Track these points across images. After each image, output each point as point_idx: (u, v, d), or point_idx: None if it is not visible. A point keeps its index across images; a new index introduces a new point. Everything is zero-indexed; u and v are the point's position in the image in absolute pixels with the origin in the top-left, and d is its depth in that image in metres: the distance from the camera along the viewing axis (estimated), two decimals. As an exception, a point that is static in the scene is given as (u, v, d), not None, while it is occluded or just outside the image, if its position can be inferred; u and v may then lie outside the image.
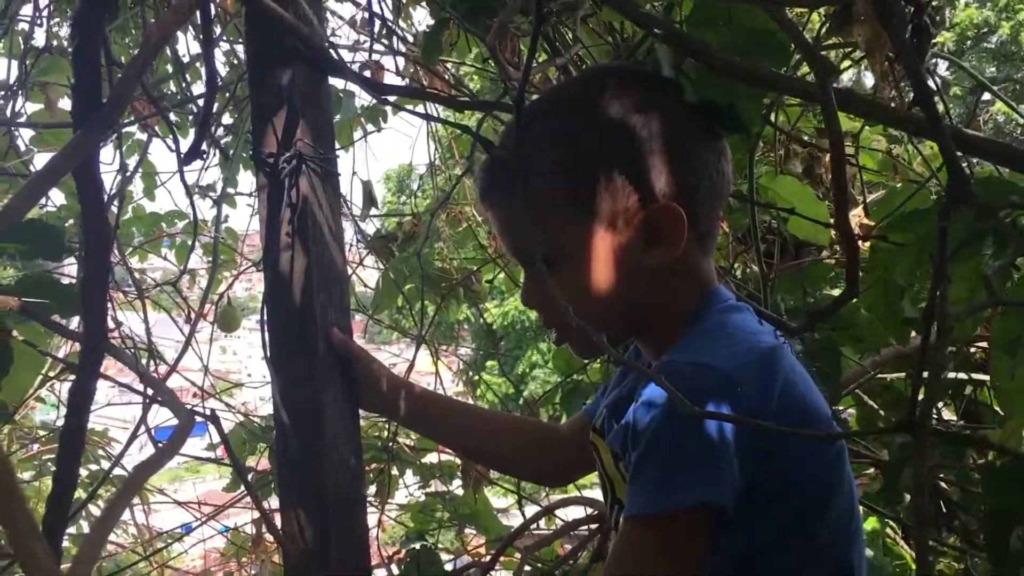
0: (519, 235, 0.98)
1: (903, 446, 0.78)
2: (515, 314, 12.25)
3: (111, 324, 2.25)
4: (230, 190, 2.51)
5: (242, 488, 2.53)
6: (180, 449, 0.71)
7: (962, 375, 1.88)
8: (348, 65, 1.15)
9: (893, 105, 0.82)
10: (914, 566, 2.12)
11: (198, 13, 0.90)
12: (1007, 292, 1.05)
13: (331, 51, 1.13)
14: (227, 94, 2.05)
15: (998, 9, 14.12)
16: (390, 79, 2.49)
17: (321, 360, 1.10)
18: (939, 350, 0.72)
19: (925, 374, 0.70)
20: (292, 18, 1.08)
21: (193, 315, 2.37)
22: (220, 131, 2.28)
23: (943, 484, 1.50)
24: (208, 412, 1.02)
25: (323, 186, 1.14)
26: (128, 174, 2.42)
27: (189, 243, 2.52)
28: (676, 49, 0.89)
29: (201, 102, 1.35)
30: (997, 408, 1.86)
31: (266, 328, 1.12)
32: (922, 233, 0.96)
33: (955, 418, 1.95)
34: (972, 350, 1.89)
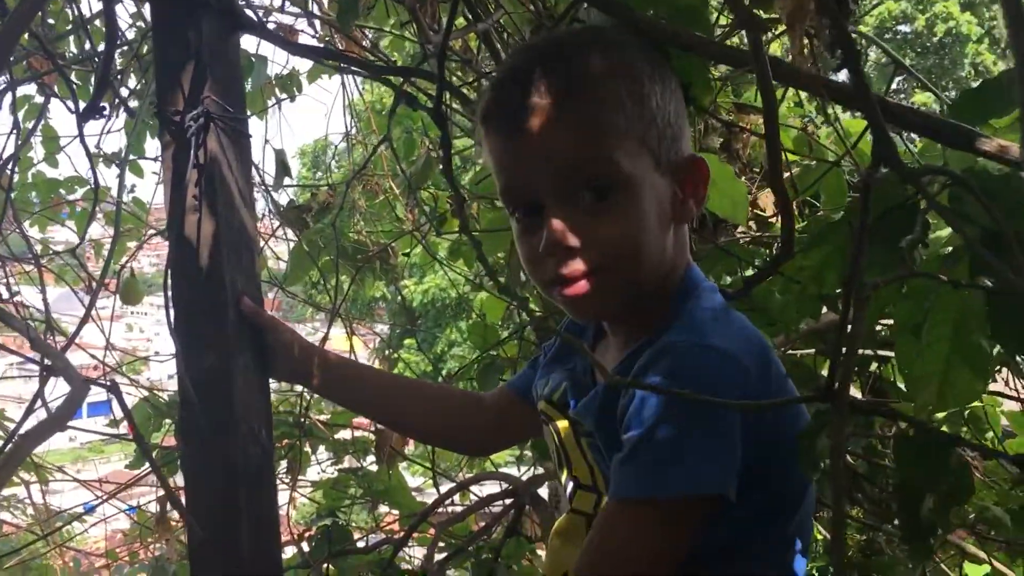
0: (576, 150, 0.86)
1: (819, 414, 0.78)
2: (435, 291, 12.18)
3: (5, 293, 2.14)
4: (135, 157, 2.40)
5: (146, 466, 2.45)
6: (71, 417, 0.66)
7: (868, 352, 1.93)
8: (261, 20, 1.09)
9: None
10: (820, 537, 2.18)
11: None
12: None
13: (242, 6, 1.08)
14: (132, 53, 1.96)
15: (914, 1, 14.63)
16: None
17: (230, 327, 1.05)
18: (857, 319, 0.72)
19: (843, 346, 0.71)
20: (200, -33, 1.02)
21: (94, 286, 2.27)
22: (125, 92, 2.18)
23: (849, 458, 1.54)
24: (108, 382, 0.96)
25: (233, 147, 1.09)
26: (24, 136, 2.30)
27: (89, 211, 2.41)
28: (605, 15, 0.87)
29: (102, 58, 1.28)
30: (901, 385, 1.92)
31: (170, 294, 1.07)
32: (839, 242, 0.96)
33: (861, 394, 2.00)
34: (878, 328, 1.93)
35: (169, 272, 1.07)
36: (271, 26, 2.35)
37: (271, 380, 1.21)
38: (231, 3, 1.06)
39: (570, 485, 0.97)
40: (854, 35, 1.74)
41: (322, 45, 2.18)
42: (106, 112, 1.03)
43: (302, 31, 2.11)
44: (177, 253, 1.06)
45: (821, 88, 0.72)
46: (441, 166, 2.48)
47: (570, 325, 1.09)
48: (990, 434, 1.93)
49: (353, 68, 1.43)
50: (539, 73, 0.87)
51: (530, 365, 1.19)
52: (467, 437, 1.26)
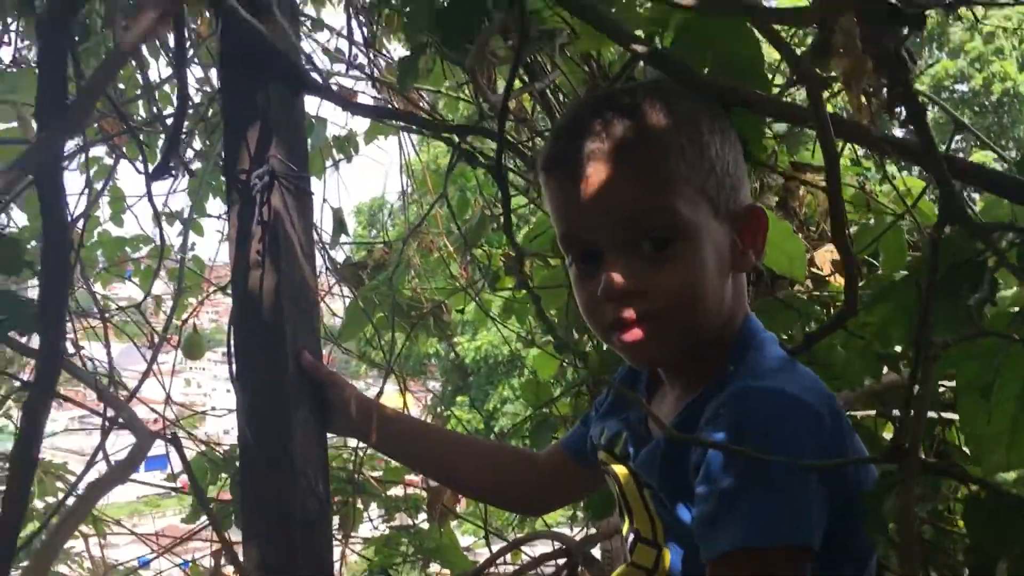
0: (637, 201, 0.86)
1: (886, 475, 0.76)
2: (488, 348, 12.19)
3: (71, 348, 2.20)
4: (197, 216, 2.47)
5: (201, 520, 2.47)
6: (136, 468, 0.67)
7: (932, 414, 1.88)
8: (323, 82, 1.13)
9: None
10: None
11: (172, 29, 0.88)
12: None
13: (306, 69, 1.11)
14: (198, 116, 2.02)
15: (970, 60, 14.54)
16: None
17: (290, 380, 1.07)
18: (925, 378, 0.71)
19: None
20: (269, 33, 1.06)
21: (156, 340, 2.32)
22: (190, 154, 2.25)
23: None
24: (169, 435, 0.98)
25: (295, 205, 1.11)
26: (94, 196, 2.38)
27: (154, 268, 2.48)
28: (662, 72, 0.88)
29: (171, 120, 1.32)
30: (965, 449, 1.86)
31: (233, 348, 1.09)
32: (904, 299, 0.95)
33: (924, 457, 1.94)
34: (941, 389, 1.89)
35: (232, 326, 1.09)
36: (333, 86, 2.42)
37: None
38: (297, 67, 1.10)
39: (631, 537, 0.96)
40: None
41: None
42: (174, 172, 1.07)
43: (362, 92, 2.17)
44: (240, 306, 1.08)
45: (886, 145, 0.72)
46: (494, 224, 2.50)
47: (624, 376, 1.08)
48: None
49: (412, 126, 1.45)
50: (600, 122, 0.88)
51: (582, 423, 1.18)
52: (519, 494, 1.26)
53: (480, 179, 2.62)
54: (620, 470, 0.98)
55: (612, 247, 0.88)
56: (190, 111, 2.04)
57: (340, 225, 2.55)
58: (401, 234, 2.88)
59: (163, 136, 2.45)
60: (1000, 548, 0.76)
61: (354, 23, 2.38)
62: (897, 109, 1.31)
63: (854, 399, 1.75)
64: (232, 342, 1.09)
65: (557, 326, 2.30)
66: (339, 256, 2.70)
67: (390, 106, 1.95)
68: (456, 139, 1.21)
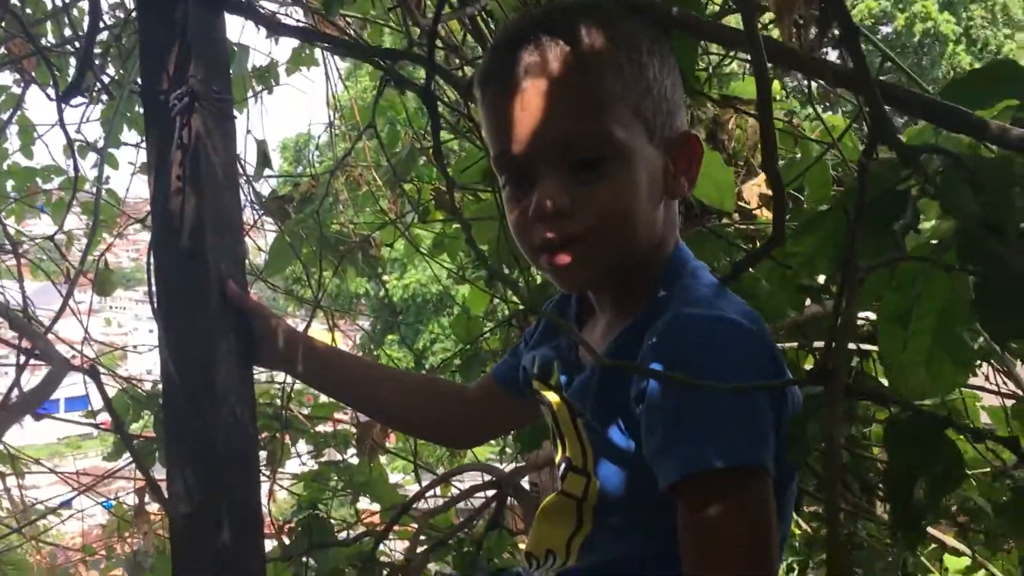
0: (571, 122, 0.85)
1: (810, 399, 0.78)
2: (416, 287, 12.14)
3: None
4: (111, 148, 2.37)
5: (124, 459, 2.42)
6: (48, 395, 0.64)
7: (850, 345, 1.93)
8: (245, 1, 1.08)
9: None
10: (797, 532, 2.18)
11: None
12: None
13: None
14: (113, 39, 1.93)
15: (894, 0, 14.75)
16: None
17: (213, 311, 1.03)
18: (851, 300, 0.72)
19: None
20: (186, -55, 1.00)
21: (72, 276, 2.24)
22: (105, 80, 2.14)
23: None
24: (86, 367, 0.94)
25: (218, 128, 1.07)
26: (1, 125, 2.26)
27: (67, 201, 2.38)
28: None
29: (83, 40, 1.25)
30: (883, 379, 1.93)
31: (153, 278, 1.05)
32: (830, 229, 0.96)
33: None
34: (859, 322, 1.94)
35: (152, 255, 1.06)
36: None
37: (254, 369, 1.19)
38: (216, -18, 1.05)
39: (563, 466, 0.96)
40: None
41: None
42: (86, 95, 1.01)
43: (286, 16, 2.09)
44: (160, 235, 1.04)
45: (819, 68, 0.72)
46: (424, 158, 2.47)
47: (555, 305, 1.08)
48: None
49: (338, 51, 1.41)
50: (538, 37, 0.86)
51: (511, 353, 1.17)
52: (449, 427, 1.25)
53: (410, 112, 2.57)
54: (553, 398, 0.97)
55: (544, 167, 0.86)
56: (104, 34, 1.94)
57: (264, 158, 2.48)
58: (329, 169, 2.83)
59: (76, 60, 2.34)
60: (919, 468, 0.78)
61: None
62: (828, 37, 1.31)
63: (777, 331, 1.79)
64: (152, 272, 1.05)
65: (489, 258, 2.29)
66: (264, 190, 2.63)
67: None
68: (384, 65, 1.17)
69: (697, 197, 1.46)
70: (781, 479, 0.85)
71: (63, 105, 1.15)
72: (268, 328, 1.12)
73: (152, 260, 1.05)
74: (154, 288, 1.04)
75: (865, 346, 1.95)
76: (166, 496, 1.05)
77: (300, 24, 1.77)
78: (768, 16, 1.31)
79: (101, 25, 1.36)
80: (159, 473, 1.22)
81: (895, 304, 1.04)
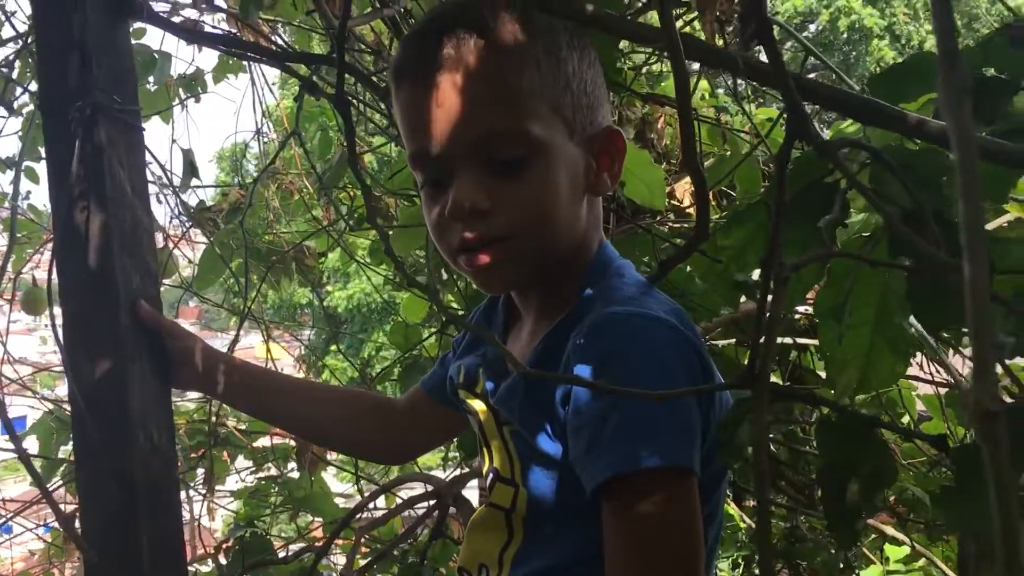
0: (488, 120, 0.82)
1: (740, 401, 0.76)
2: (360, 296, 12.00)
3: None
4: (29, 160, 2.29)
5: (55, 483, 2.34)
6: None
7: (787, 340, 1.94)
8: (148, 4, 1.03)
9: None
10: (743, 526, 2.19)
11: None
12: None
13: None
14: (23, 47, 1.85)
15: (817, -2, 15.03)
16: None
17: (123, 331, 0.98)
18: (776, 301, 0.70)
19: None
20: (81, -51, 0.95)
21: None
22: (23, 95, 2.06)
23: (771, 446, 1.54)
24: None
25: (123, 139, 1.02)
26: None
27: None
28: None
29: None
30: (821, 373, 1.94)
31: (60, 299, 1.00)
32: (760, 221, 0.95)
33: (781, 382, 2.01)
34: (796, 316, 1.95)
35: (58, 275, 1.00)
36: (176, 21, 2.27)
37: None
38: (117, -13, 1.00)
39: (490, 476, 0.93)
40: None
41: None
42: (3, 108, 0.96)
43: (209, 24, 2.03)
44: (63, 254, 0.99)
45: (736, 64, 0.70)
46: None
47: (481, 311, 1.06)
48: (906, 418, 1.97)
49: (254, 57, 1.36)
50: (453, 30, 0.83)
51: (440, 363, 1.15)
52: (379, 441, 1.20)
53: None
54: (479, 407, 0.95)
55: (461, 165, 0.83)
56: (15, 42, 1.87)
57: (191, 167, 2.41)
58: (272, 170, 2.76)
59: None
60: (851, 468, 0.77)
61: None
62: (748, 31, 1.30)
63: (713, 328, 1.79)
64: (56, 293, 0.99)
65: (424, 266, 2.26)
66: (194, 201, 2.56)
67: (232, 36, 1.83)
68: (293, 71, 1.13)
69: (628, 196, 1.45)
70: (710, 480, 0.83)
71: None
72: (182, 348, 1.07)
73: (59, 281, 0.99)
74: (59, 310, 0.99)
75: (803, 340, 1.97)
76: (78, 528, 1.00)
77: (212, 31, 1.72)
78: (691, 14, 1.30)
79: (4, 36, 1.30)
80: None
81: (829, 298, 1.03)
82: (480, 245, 0.84)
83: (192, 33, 1.11)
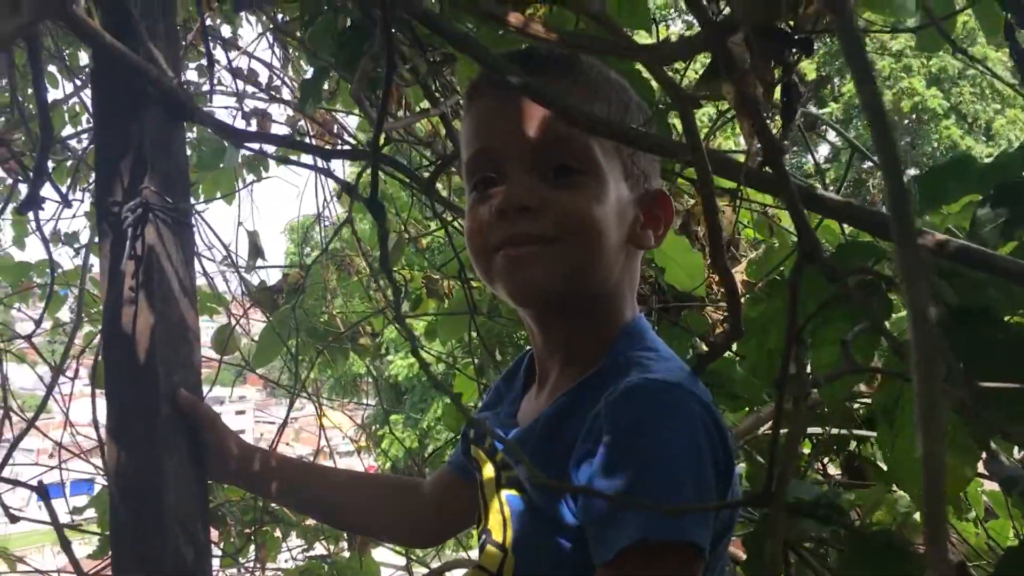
0: (556, 128, 0.85)
1: (766, 517, 0.75)
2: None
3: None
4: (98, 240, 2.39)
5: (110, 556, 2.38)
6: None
7: (845, 431, 1.89)
8: (202, 109, 1.08)
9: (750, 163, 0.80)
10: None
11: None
12: (879, 354, 1.04)
13: (185, 94, 1.07)
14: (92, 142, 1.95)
15: (882, 79, 14.90)
16: (279, 131, 2.44)
17: (162, 425, 1.01)
18: (794, 420, 0.69)
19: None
20: (140, 59, 1.01)
21: (62, 367, 2.23)
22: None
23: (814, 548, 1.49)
24: (36, 484, 0.92)
25: (173, 238, 1.06)
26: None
27: (58, 294, 2.39)
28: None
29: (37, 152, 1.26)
30: (882, 464, 1.88)
31: (105, 389, 1.03)
32: (787, 299, 0.95)
33: (839, 472, 1.96)
34: (856, 405, 1.90)
35: (104, 367, 1.04)
36: (246, 108, 2.37)
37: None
38: (173, 94, 1.05)
39: (482, 537, 0.92)
40: (813, 116, 1.75)
41: (291, 128, 2.18)
42: (43, 205, 1.01)
43: (276, 121, 2.12)
44: (111, 348, 1.03)
45: (751, 180, 0.70)
46: (414, 247, 2.47)
47: (505, 374, 1.06)
48: (972, 514, 1.89)
49: (292, 162, 1.41)
50: (540, 59, 0.88)
51: (463, 438, 1.15)
52: (407, 524, 1.20)
53: (400, 201, 2.58)
54: (486, 465, 0.95)
55: (518, 167, 0.86)
56: (85, 133, 1.97)
57: (256, 249, 2.49)
58: (334, 250, 2.83)
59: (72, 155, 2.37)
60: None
61: (272, 44, 2.34)
62: (791, 133, 1.31)
63: (766, 417, 1.75)
64: (104, 383, 1.03)
65: (479, 350, 2.27)
66: (256, 279, 2.64)
67: (299, 130, 1.91)
68: (319, 168, 1.17)
69: (668, 282, 1.45)
70: (712, 562, 0.82)
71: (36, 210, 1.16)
72: (217, 442, 1.09)
73: (105, 372, 1.03)
74: (108, 401, 1.02)
75: (861, 432, 1.91)
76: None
77: (288, 122, 1.79)
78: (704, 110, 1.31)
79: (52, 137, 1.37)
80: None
81: (884, 397, 1.01)
82: (521, 242, 0.86)
83: (240, 134, 1.16)
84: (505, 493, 0.90)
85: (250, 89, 2.41)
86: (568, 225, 0.85)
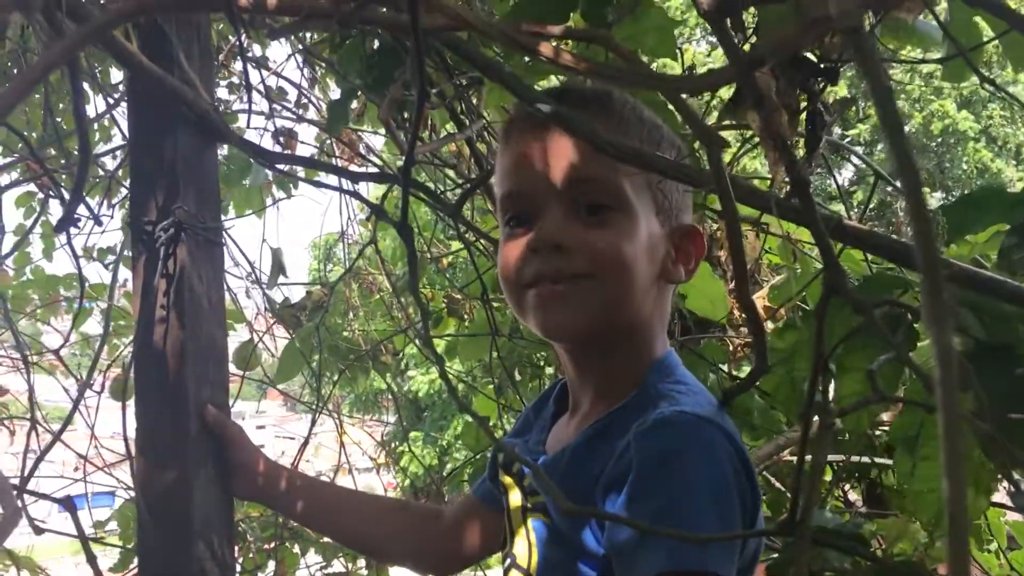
0: (588, 166, 0.87)
1: (789, 546, 0.75)
2: (441, 383, 12.05)
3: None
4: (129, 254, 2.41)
5: (132, 567, 2.39)
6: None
7: (866, 459, 1.88)
8: (233, 131, 1.10)
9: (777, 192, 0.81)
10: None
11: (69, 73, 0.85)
12: (902, 384, 1.04)
13: (218, 116, 1.09)
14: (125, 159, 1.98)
15: (911, 100, 14.84)
16: (305, 150, 2.47)
17: (191, 442, 1.03)
18: (819, 449, 0.69)
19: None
20: (175, 80, 1.03)
21: (89, 381, 2.26)
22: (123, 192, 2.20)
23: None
24: (65, 497, 0.94)
25: (204, 257, 1.08)
26: (22, 233, 2.32)
27: (86, 307, 2.42)
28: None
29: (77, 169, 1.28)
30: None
31: (135, 405, 1.05)
32: (814, 330, 0.95)
33: (860, 500, 1.95)
34: (877, 432, 1.89)
35: (135, 382, 1.06)
36: (273, 127, 2.40)
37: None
38: (206, 115, 1.07)
39: (507, 561, 0.93)
40: (835, 141, 1.75)
41: (317, 148, 2.21)
42: (79, 224, 1.03)
43: (302, 142, 2.15)
44: (142, 365, 1.04)
45: (777, 209, 0.71)
46: (435, 267, 2.49)
47: (536, 402, 1.07)
48: (994, 545, 1.87)
49: (319, 183, 1.43)
50: (574, 96, 0.91)
51: (492, 464, 1.15)
52: (428, 552, 1.19)
53: (422, 221, 2.61)
54: (513, 494, 0.96)
55: (552, 205, 0.88)
56: (118, 153, 2.00)
57: (278, 266, 2.51)
58: (357, 269, 2.86)
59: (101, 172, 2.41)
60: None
61: (301, 64, 2.37)
62: (814, 163, 1.31)
63: (785, 444, 1.75)
64: (135, 399, 1.05)
65: (498, 371, 2.28)
66: (279, 296, 2.66)
67: (325, 150, 1.93)
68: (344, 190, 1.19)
69: (689, 308, 1.45)
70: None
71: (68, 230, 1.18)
72: (242, 460, 1.11)
73: (135, 388, 1.05)
74: (136, 416, 1.04)
75: (882, 461, 1.90)
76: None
77: (312, 151, 1.81)
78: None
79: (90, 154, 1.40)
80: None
81: (904, 427, 1.01)
82: (554, 280, 0.87)
83: (270, 156, 1.18)
84: (531, 519, 0.91)
85: (278, 108, 2.45)
86: (600, 262, 0.87)
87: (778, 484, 1.84)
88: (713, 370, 1.37)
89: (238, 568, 2.30)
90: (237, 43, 1.52)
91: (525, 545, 0.91)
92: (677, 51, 1.36)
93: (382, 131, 2.37)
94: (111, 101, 2.32)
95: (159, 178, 1.07)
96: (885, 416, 1.69)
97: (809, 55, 1.24)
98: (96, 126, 2.71)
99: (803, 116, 1.24)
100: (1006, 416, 0.86)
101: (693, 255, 0.93)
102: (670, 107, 1.02)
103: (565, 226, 0.87)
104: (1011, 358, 0.90)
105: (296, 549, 2.60)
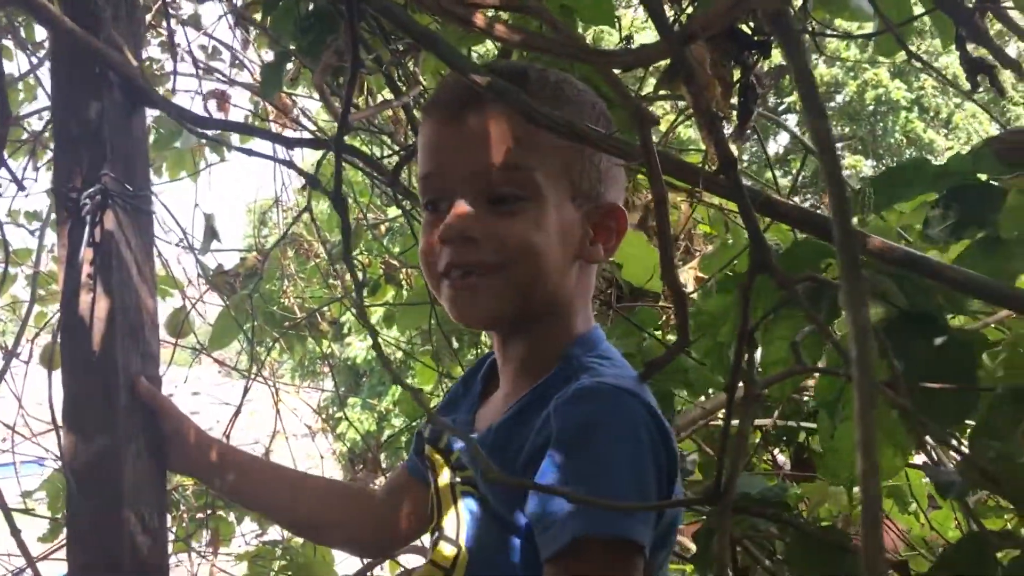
0: (498, 156, 0.88)
1: (711, 515, 0.77)
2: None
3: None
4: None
5: (59, 540, 2.36)
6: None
7: (792, 423, 1.93)
8: (160, 95, 1.08)
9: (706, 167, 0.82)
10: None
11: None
12: (825, 350, 1.07)
13: (145, 79, 1.06)
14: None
15: (846, 68, 15.06)
16: (239, 113, 2.42)
17: (120, 413, 1.01)
18: (744, 419, 0.71)
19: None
20: (100, 43, 1.00)
21: (15, 350, 2.20)
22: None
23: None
24: None
25: (132, 224, 1.06)
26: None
27: (11, 274, 2.35)
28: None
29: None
30: (827, 454, 1.92)
31: (62, 376, 1.03)
32: (736, 296, 0.97)
33: (788, 462, 2.00)
34: (805, 397, 1.94)
35: (61, 353, 1.04)
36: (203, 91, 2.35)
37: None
38: (133, 79, 1.04)
39: (435, 534, 0.94)
40: (762, 110, 1.78)
41: (251, 111, 2.17)
42: (1, 186, 1.00)
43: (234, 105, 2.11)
44: (68, 335, 1.02)
45: (706, 184, 0.72)
46: (370, 233, 2.47)
47: (464, 377, 1.08)
48: (914, 506, 1.94)
49: (253, 152, 1.41)
50: (505, 70, 0.90)
51: (417, 442, 1.15)
52: (360, 531, 1.18)
53: (358, 186, 2.58)
54: (439, 463, 0.97)
55: (461, 192, 0.89)
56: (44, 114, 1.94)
57: (211, 231, 2.47)
58: (292, 235, 2.81)
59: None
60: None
61: (234, 26, 2.31)
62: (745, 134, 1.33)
63: (712, 408, 1.78)
64: (61, 370, 1.03)
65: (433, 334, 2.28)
66: (213, 263, 2.62)
67: (258, 113, 1.89)
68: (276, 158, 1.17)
69: (625, 278, 1.47)
70: (658, 561, 0.86)
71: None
72: (176, 431, 1.09)
73: (60, 360, 1.03)
74: (63, 388, 1.02)
75: (809, 425, 1.95)
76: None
77: (246, 113, 1.77)
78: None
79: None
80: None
81: (826, 390, 1.04)
82: (465, 271, 0.88)
83: (200, 120, 1.16)
84: (462, 494, 0.92)
85: (209, 71, 2.39)
86: (509, 253, 0.88)
87: (707, 449, 1.88)
88: (647, 336, 1.39)
89: (171, 537, 2.29)
90: (163, 1, 1.48)
91: (454, 518, 0.92)
92: (615, 18, 1.36)
93: (317, 95, 2.33)
94: (35, 61, 2.24)
95: (84, 143, 1.04)
96: (811, 382, 1.73)
97: (744, 27, 1.25)
98: (20, 85, 2.61)
99: (737, 87, 1.26)
100: (923, 385, 0.89)
101: (614, 231, 0.94)
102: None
103: (473, 217, 0.88)
104: (932, 327, 0.93)
105: (231, 518, 2.58)
